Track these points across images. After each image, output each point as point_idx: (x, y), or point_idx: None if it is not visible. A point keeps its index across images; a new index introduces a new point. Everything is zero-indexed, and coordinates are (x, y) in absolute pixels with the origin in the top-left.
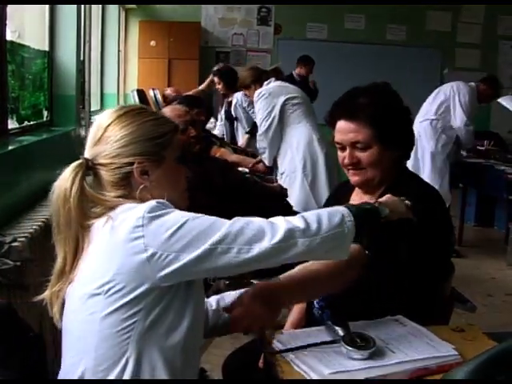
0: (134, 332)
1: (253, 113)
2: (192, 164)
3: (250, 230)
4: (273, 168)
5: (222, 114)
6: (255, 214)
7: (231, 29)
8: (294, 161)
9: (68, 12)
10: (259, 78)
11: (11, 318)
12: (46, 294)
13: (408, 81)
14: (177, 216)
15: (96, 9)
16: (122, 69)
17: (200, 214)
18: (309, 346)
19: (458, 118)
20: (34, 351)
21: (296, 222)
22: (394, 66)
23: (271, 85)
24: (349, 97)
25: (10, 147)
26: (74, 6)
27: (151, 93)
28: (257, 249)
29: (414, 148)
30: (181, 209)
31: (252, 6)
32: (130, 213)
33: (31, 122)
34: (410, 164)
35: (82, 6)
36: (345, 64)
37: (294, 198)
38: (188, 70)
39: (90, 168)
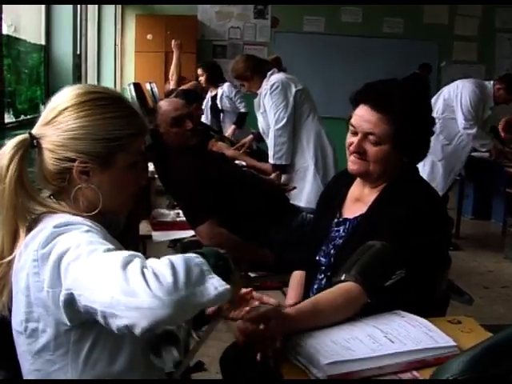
0: (71, 373)
1: (240, 103)
2: (188, 157)
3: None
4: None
5: (207, 109)
6: (251, 206)
7: (228, 22)
8: (305, 156)
9: (64, 6)
10: (260, 68)
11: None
12: None
13: (405, 74)
14: (64, 247)
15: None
16: (118, 62)
17: (88, 244)
18: None
19: (458, 121)
20: None
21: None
22: (390, 59)
23: (280, 76)
24: (384, 84)
25: (7, 141)
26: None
27: (148, 86)
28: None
29: None
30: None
31: None
32: (35, 241)
33: (28, 116)
34: None
35: None
36: (342, 57)
37: (305, 195)
38: (185, 64)
39: (34, 146)
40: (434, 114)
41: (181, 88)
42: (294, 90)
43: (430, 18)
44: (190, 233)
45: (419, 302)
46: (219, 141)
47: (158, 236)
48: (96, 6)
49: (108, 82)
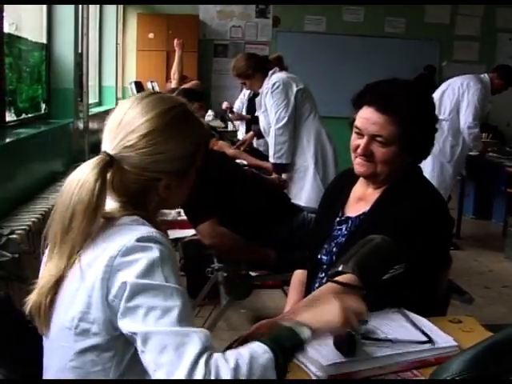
0: (112, 375)
1: None
2: None
3: (170, 355)
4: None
5: (243, 98)
6: (252, 205)
7: (229, 21)
8: (305, 155)
9: (66, 5)
10: (261, 66)
11: (9, 309)
12: (35, 301)
13: (406, 74)
14: (151, 268)
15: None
16: (120, 61)
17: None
18: None
19: (462, 119)
20: (32, 343)
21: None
22: (392, 59)
23: (281, 75)
24: (387, 85)
25: (8, 140)
26: None
27: (149, 85)
28: (160, 377)
29: None
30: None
31: None
32: (110, 245)
33: (29, 115)
34: None
35: None
36: (343, 57)
37: (305, 194)
38: (186, 63)
39: (111, 166)
40: (441, 116)
41: (182, 87)
42: (295, 89)
43: (432, 18)
44: (191, 232)
45: (420, 302)
46: (220, 140)
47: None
48: (98, 5)
49: (109, 81)
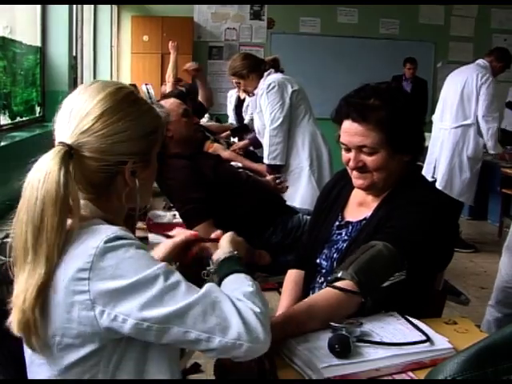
0: (102, 376)
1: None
2: (184, 158)
3: (214, 316)
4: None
5: (231, 106)
6: (247, 207)
7: (224, 23)
8: (300, 157)
9: (60, 7)
10: (257, 67)
11: (2, 314)
12: (20, 320)
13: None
14: (132, 264)
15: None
16: (114, 64)
17: (159, 267)
18: None
19: (481, 111)
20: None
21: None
22: (386, 60)
23: (277, 76)
24: (359, 95)
25: (3, 143)
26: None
27: (144, 88)
28: (216, 342)
29: (450, 155)
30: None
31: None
32: (80, 256)
33: (24, 118)
34: (442, 172)
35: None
36: (338, 58)
37: (300, 195)
38: (181, 65)
39: (71, 157)
40: (473, 119)
41: (171, 90)
42: (290, 90)
43: (426, 19)
44: None
45: (415, 303)
46: (215, 142)
47: (155, 238)
48: (92, 7)
49: None
